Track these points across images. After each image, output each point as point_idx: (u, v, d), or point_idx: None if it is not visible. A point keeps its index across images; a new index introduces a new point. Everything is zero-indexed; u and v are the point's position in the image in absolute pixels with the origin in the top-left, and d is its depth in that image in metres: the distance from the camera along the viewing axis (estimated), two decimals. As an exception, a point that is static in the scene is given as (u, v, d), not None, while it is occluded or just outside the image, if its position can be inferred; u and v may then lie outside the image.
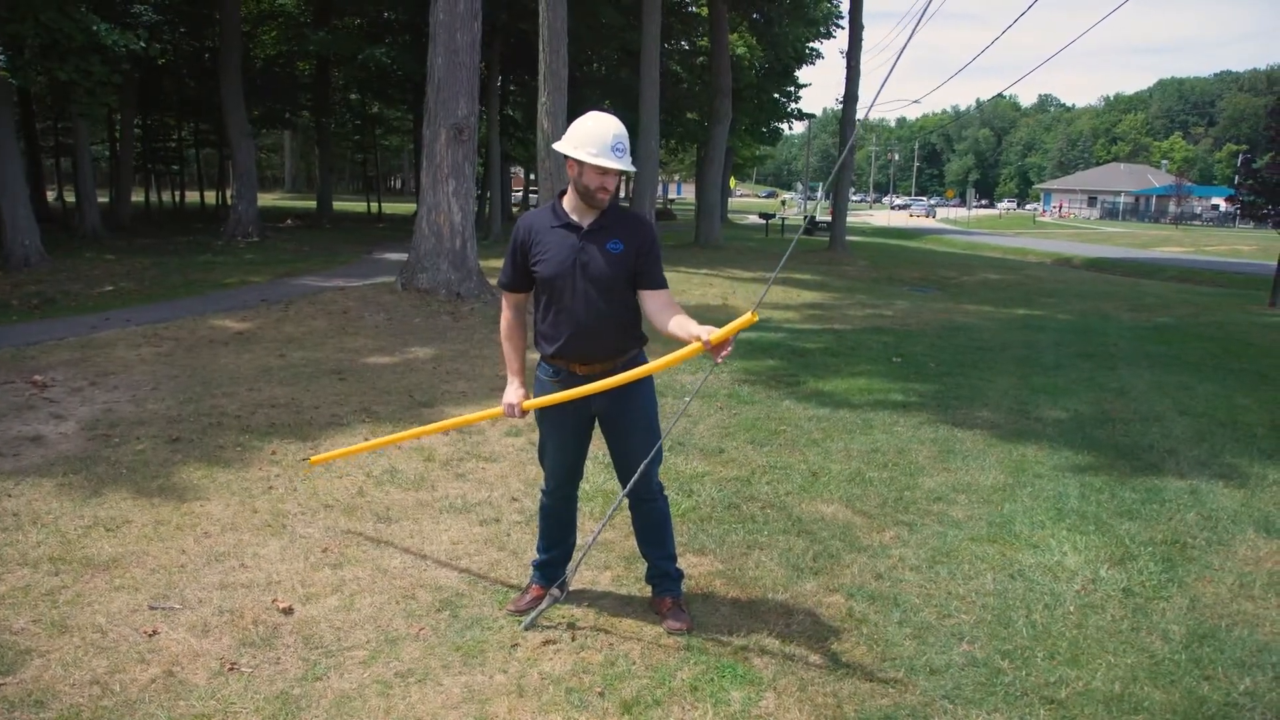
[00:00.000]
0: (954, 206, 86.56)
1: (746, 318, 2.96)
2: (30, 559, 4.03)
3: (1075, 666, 3.34)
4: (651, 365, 3.29)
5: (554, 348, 3.39)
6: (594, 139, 3.21)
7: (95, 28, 14.03)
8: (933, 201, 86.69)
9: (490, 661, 3.29)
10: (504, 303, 3.55)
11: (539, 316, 3.44)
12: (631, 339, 3.44)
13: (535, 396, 3.49)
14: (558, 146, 3.28)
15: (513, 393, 3.47)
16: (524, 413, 3.46)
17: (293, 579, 3.92)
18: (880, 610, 3.75)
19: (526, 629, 3.51)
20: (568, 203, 3.38)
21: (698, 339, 3.01)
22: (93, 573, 3.92)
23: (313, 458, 4.58)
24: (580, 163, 3.23)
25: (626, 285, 3.36)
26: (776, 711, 3.03)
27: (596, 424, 3.54)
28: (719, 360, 3.02)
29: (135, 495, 4.84)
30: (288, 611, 3.62)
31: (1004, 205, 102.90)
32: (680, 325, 3.18)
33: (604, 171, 3.22)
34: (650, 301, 3.34)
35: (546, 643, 3.41)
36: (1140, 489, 5.35)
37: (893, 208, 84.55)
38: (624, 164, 3.23)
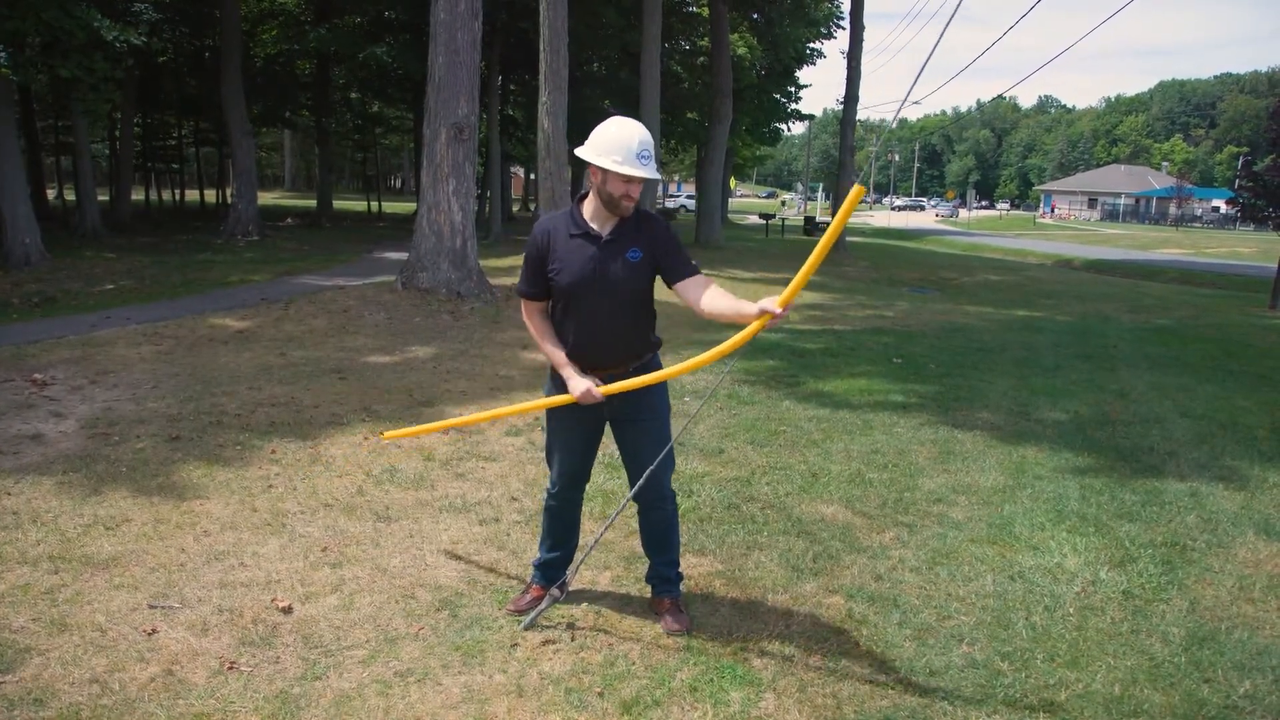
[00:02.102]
0: (932, 207, 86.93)
1: (836, 223, 2.92)
2: (30, 557, 4.03)
3: (1075, 668, 3.34)
4: (720, 349, 3.16)
5: (567, 353, 3.37)
6: (619, 146, 3.13)
7: (96, 24, 14.03)
8: (955, 202, 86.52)
9: (490, 661, 3.29)
10: (527, 310, 3.45)
11: (553, 321, 3.43)
12: (645, 344, 3.43)
13: (545, 397, 3.48)
14: (580, 153, 3.20)
15: (584, 381, 3.30)
16: (603, 396, 3.30)
17: (292, 578, 3.92)
18: (880, 611, 3.75)
19: (526, 629, 3.51)
20: (587, 209, 3.31)
21: (763, 311, 2.96)
22: (92, 571, 3.92)
23: (385, 434, 4.63)
24: (604, 170, 3.16)
25: (646, 292, 3.34)
26: (776, 712, 3.02)
27: (606, 427, 3.53)
28: (775, 324, 3.00)
29: (135, 494, 4.84)
30: (287, 610, 3.62)
31: (1002, 206, 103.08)
32: (733, 307, 3.12)
33: (629, 180, 3.16)
34: (690, 291, 3.26)
35: (546, 643, 3.41)
36: (1140, 491, 5.35)
37: (893, 208, 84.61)
38: (650, 171, 3.15)
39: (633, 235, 3.28)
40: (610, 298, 3.27)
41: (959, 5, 3.14)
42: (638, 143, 3.14)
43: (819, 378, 8.37)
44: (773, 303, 2.98)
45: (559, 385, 3.44)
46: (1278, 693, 3.22)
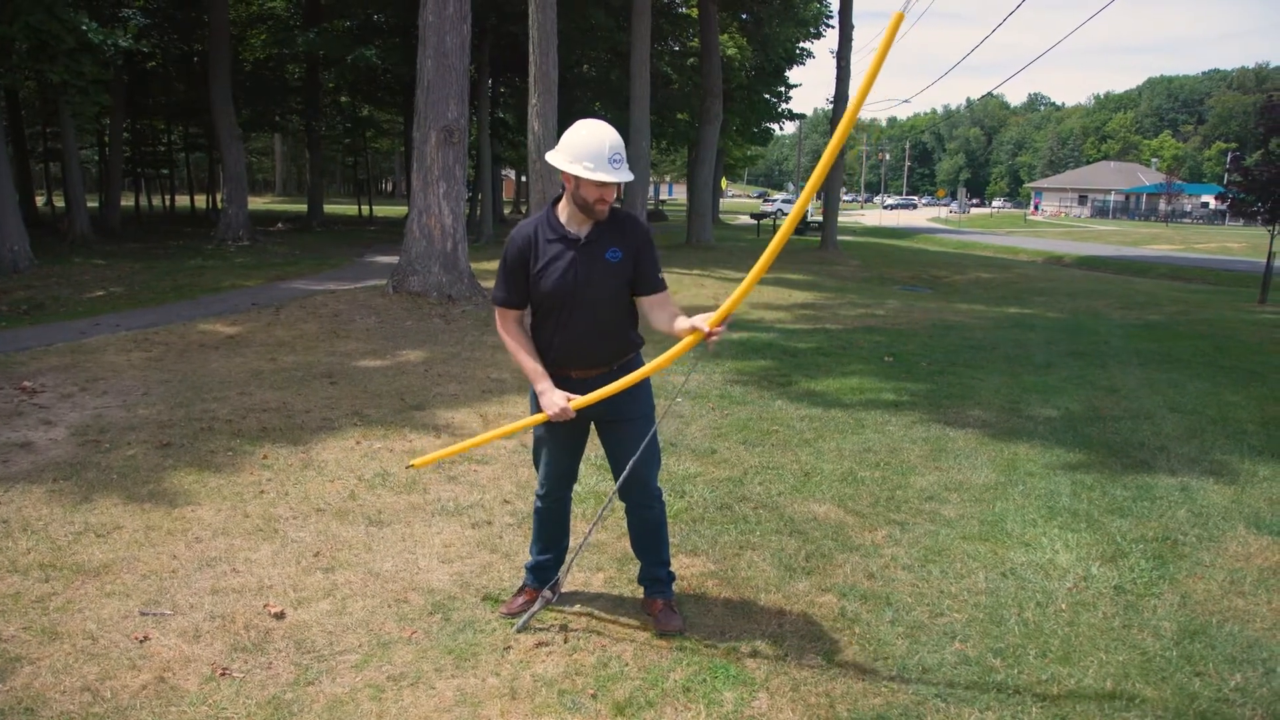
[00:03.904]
0: (945, 205, 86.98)
1: (752, 276, 2.99)
2: (20, 566, 4.01)
3: (1067, 664, 3.35)
4: (655, 363, 3.27)
5: (551, 356, 3.37)
6: (590, 151, 3.13)
7: (83, 26, 14.01)
8: (952, 199, 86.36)
9: (483, 664, 3.28)
10: (504, 319, 3.40)
11: (534, 325, 3.42)
12: (627, 344, 3.44)
13: (534, 405, 3.48)
14: (551, 159, 3.21)
15: (555, 396, 3.30)
16: (575, 411, 3.32)
17: (284, 583, 3.91)
18: (872, 610, 3.76)
19: (519, 631, 3.50)
20: (563, 212, 3.32)
21: (694, 329, 3.10)
22: (83, 579, 3.90)
23: (413, 462, 4.04)
24: (577, 177, 3.17)
25: (626, 292, 3.35)
26: (769, 712, 3.03)
27: (592, 427, 3.53)
28: (711, 347, 3.11)
29: (126, 501, 4.82)
30: (279, 616, 3.61)
31: (1000, 203, 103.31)
32: (669, 325, 3.26)
33: (602, 185, 3.17)
34: (646, 303, 3.35)
35: (539, 645, 3.41)
36: (1131, 486, 5.37)
37: (885, 207, 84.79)
38: (622, 175, 3.15)
39: (611, 235, 3.28)
40: (591, 299, 3.27)
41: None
42: (608, 147, 3.13)
43: (811, 377, 8.38)
44: (703, 320, 3.11)
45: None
46: (1268, 685, 3.24)
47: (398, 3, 23.26)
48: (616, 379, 3.34)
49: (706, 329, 3.07)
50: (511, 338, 3.40)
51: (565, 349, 3.34)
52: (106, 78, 16.53)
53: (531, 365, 3.37)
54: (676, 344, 3.21)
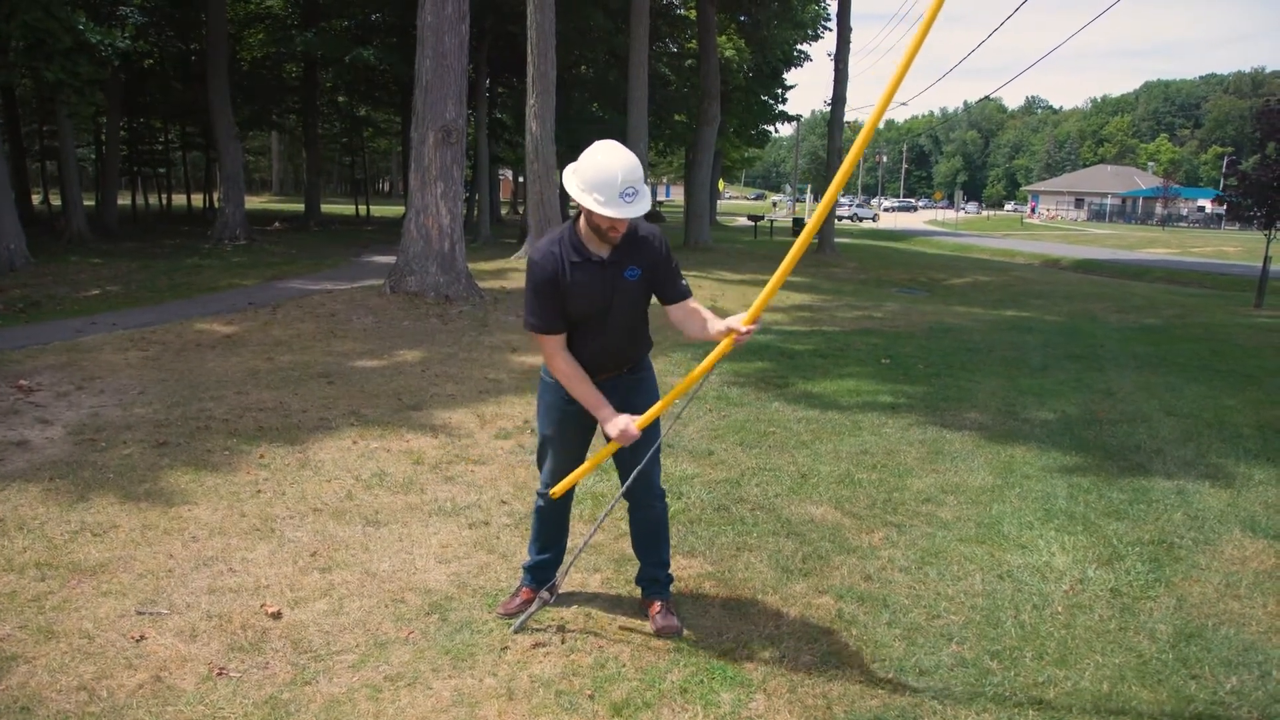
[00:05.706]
0: (942, 208, 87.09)
1: (771, 287, 3.12)
2: (16, 564, 4.00)
3: (1063, 666, 3.36)
4: (700, 368, 3.37)
5: None
6: (603, 182, 3.07)
7: (80, 26, 14.01)
8: (978, 206, 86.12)
9: (480, 665, 3.28)
10: (550, 347, 3.31)
11: None
12: (643, 348, 3.51)
13: (542, 406, 3.51)
14: (566, 186, 3.16)
15: (619, 420, 3.26)
16: (639, 432, 3.31)
17: (281, 583, 3.90)
18: (869, 611, 3.76)
19: (516, 632, 3.50)
20: (584, 232, 3.29)
21: (729, 329, 3.16)
22: (80, 578, 3.90)
23: (553, 489, 3.70)
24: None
25: (644, 305, 3.41)
26: (766, 713, 3.03)
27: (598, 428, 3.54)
28: (742, 342, 3.18)
29: (122, 500, 4.82)
30: (276, 616, 3.60)
31: (1012, 206, 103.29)
32: (701, 330, 3.31)
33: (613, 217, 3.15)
34: (678, 313, 3.37)
35: (536, 645, 3.41)
36: (1128, 489, 5.38)
37: (883, 209, 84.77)
38: (634, 210, 3.10)
39: (631, 255, 3.29)
40: (612, 318, 3.30)
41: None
42: (621, 179, 3.07)
43: (808, 379, 8.38)
44: (738, 321, 3.16)
45: (551, 392, 3.45)
46: (1263, 688, 3.25)
47: (396, 3, 23.26)
48: (627, 379, 3.43)
49: (741, 329, 3.13)
50: (562, 369, 3.32)
51: (587, 361, 3.35)
52: (102, 78, 16.53)
53: (591, 394, 3.31)
54: (714, 349, 3.28)
